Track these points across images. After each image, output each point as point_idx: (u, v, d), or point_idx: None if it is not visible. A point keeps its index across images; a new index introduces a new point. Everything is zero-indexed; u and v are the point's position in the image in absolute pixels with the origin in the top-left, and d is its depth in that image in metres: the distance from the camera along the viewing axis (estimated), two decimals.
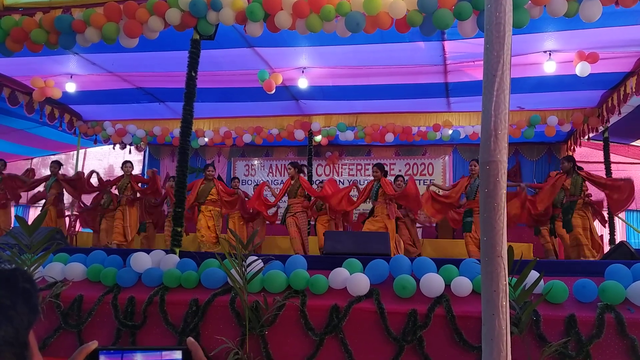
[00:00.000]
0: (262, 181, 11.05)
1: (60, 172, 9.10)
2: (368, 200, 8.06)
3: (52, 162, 9.23)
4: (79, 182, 8.98)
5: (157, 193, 8.98)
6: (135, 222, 8.78)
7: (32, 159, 13.64)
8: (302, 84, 7.92)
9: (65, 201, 9.39)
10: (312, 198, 8.68)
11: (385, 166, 8.42)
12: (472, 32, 4.88)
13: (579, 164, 11.61)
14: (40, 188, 9.23)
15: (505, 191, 1.32)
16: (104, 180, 9.16)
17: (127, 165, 8.91)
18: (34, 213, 13.74)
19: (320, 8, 4.98)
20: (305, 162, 10.47)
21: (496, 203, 1.32)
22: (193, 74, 5.41)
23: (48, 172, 9.35)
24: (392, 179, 8.76)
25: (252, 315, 4.08)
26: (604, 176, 7.46)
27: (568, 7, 4.65)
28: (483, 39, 1.62)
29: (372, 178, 8.11)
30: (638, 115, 8.47)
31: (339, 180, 12.61)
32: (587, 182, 7.32)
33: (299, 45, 6.87)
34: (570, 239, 7.22)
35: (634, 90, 7.08)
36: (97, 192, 9.09)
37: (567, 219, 7.24)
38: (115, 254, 5.16)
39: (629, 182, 7.09)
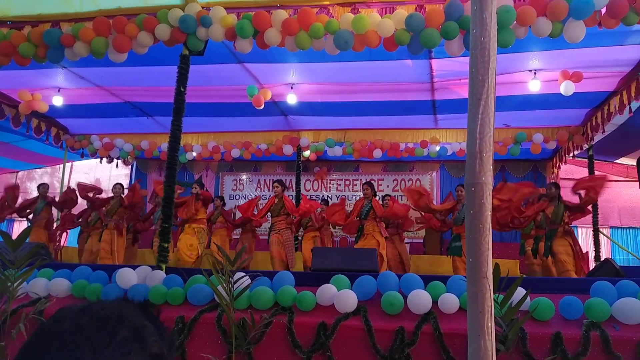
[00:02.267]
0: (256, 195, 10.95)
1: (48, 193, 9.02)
2: (357, 217, 8.06)
3: (40, 184, 9.11)
4: (69, 201, 8.87)
5: (136, 204, 8.85)
6: (122, 247, 8.56)
7: (17, 172, 13.51)
8: (291, 99, 7.96)
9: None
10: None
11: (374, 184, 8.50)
12: (459, 51, 4.95)
13: (564, 181, 11.82)
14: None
15: (490, 213, 1.34)
16: (96, 198, 8.94)
17: (116, 187, 8.65)
18: (18, 227, 13.56)
19: (310, 26, 5.02)
20: (294, 178, 10.46)
21: (481, 224, 1.33)
22: (182, 90, 5.41)
23: (33, 186, 9.24)
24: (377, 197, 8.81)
25: (238, 332, 4.04)
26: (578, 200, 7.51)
27: (552, 28, 4.74)
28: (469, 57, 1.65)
29: (360, 193, 8.12)
30: (622, 134, 8.62)
31: (328, 196, 12.62)
32: (568, 211, 7.34)
33: (288, 61, 6.91)
34: (558, 266, 7.21)
35: (617, 109, 7.20)
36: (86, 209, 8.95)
37: (547, 245, 7.28)
38: (101, 269, 5.10)
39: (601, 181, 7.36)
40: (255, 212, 8.63)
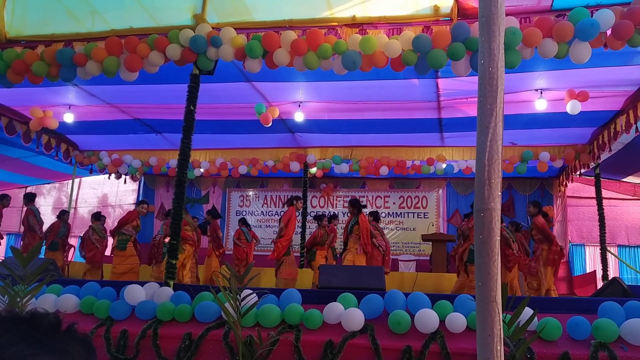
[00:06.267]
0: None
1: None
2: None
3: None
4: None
5: None
6: None
7: (26, 187, 13.62)
8: (299, 117, 8.03)
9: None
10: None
11: (360, 201, 8.56)
12: (466, 71, 4.99)
13: (571, 199, 11.80)
14: None
15: (499, 237, 1.37)
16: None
17: (143, 206, 8.95)
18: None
19: (318, 46, 5.09)
20: (300, 194, 10.50)
21: (490, 249, 1.36)
22: (192, 108, 5.48)
23: (42, 201, 9.35)
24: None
25: (245, 350, 4.05)
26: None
27: (558, 49, 4.78)
28: (476, 77, 1.68)
29: (367, 210, 8.17)
30: (628, 153, 8.61)
31: (334, 212, 12.66)
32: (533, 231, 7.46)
33: (296, 80, 6.99)
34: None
35: (623, 128, 7.22)
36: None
37: None
38: (109, 286, 5.13)
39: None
40: None
